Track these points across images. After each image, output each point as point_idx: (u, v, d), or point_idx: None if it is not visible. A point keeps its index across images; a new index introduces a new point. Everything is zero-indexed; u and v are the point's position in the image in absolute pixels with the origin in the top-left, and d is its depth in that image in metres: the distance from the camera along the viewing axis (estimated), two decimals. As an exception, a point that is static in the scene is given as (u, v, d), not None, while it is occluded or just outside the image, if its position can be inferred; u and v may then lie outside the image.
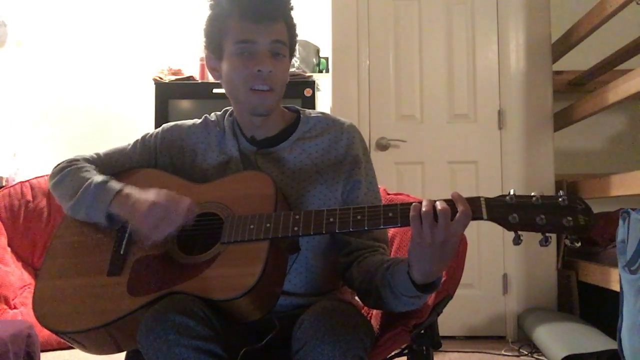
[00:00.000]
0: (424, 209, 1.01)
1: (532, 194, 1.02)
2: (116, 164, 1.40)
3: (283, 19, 1.29)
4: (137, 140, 1.43)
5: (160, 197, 1.18)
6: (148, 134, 1.44)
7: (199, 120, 1.43)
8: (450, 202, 1.02)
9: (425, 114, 3.28)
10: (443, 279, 1.33)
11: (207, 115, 1.44)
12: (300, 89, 3.02)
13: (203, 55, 1.41)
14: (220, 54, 1.30)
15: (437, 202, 1.02)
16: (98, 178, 1.27)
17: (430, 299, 1.33)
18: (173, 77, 3.23)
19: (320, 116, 1.39)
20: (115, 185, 1.25)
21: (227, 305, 1.07)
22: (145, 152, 1.40)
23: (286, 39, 1.29)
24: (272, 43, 1.26)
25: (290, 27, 1.31)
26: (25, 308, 1.80)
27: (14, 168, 3.45)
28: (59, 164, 1.38)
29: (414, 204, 1.03)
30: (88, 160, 1.39)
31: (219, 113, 1.44)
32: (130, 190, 1.23)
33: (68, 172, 1.33)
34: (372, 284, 1.18)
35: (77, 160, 1.37)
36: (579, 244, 1.00)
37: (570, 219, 0.99)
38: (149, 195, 1.19)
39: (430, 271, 1.05)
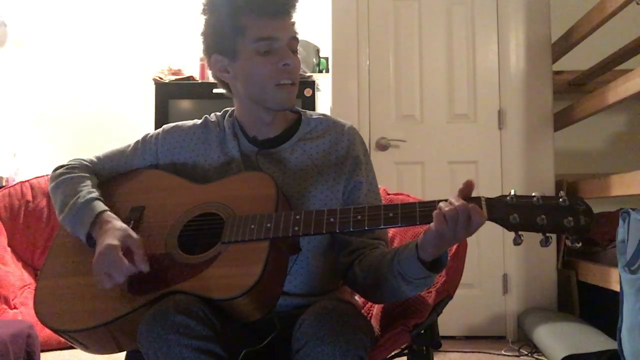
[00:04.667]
0: (462, 214, 1.01)
1: (533, 194, 1.02)
2: (117, 167, 1.40)
3: (293, 13, 1.30)
4: (137, 142, 1.43)
5: (113, 244, 1.14)
6: (148, 134, 1.43)
7: (199, 121, 1.43)
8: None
9: (425, 114, 3.28)
10: (443, 279, 1.34)
11: (207, 116, 1.44)
12: (300, 89, 3.00)
13: (204, 60, 1.37)
14: (233, 55, 1.28)
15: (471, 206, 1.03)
16: (85, 195, 1.27)
17: (431, 298, 1.33)
18: (173, 77, 3.24)
19: (321, 118, 1.40)
20: (98, 206, 1.25)
21: (227, 305, 1.07)
22: (146, 153, 1.40)
23: (297, 34, 1.31)
24: (291, 39, 1.28)
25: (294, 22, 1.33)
26: (25, 308, 1.80)
27: (14, 168, 3.45)
28: (57, 169, 1.38)
29: (447, 209, 1.02)
30: (87, 166, 1.38)
31: (218, 114, 1.44)
32: (107, 218, 1.22)
33: (62, 181, 1.33)
34: (378, 276, 1.18)
35: (75, 167, 1.37)
36: (580, 244, 1.00)
37: (571, 219, 0.99)
38: (110, 236, 1.16)
39: (440, 253, 1.10)
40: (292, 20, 1.29)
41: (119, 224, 1.21)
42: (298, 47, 1.33)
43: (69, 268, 1.25)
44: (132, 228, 1.23)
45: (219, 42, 1.29)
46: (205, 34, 1.33)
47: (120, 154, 1.41)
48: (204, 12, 1.32)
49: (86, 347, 1.21)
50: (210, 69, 1.36)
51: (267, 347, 1.12)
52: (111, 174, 1.39)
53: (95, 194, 1.29)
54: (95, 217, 1.22)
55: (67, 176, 1.33)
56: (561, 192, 1.03)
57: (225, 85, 1.37)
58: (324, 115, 1.42)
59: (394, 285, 1.15)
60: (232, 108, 1.42)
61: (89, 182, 1.33)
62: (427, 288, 1.22)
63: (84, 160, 1.40)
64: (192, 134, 1.40)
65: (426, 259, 1.09)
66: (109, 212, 1.24)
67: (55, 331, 1.17)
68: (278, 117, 1.35)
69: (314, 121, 1.39)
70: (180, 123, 1.44)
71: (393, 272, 1.14)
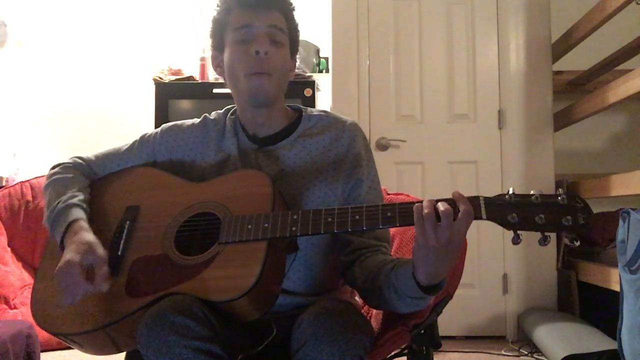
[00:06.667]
0: (425, 210, 0.99)
1: (532, 192, 1.01)
2: (113, 165, 1.39)
3: (281, 10, 1.30)
4: (135, 141, 1.42)
5: (73, 260, 1.10)
6: (147, 134, 1.43)
7: (198, 120, 1.43)
8: (452, 202, 1.01)
9: (425, 114, 3.28)
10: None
11: (207, 115, 1.43)
12: (300, 89, 3.02)
13: (209, 57, 1.41)
14: (222, 49, 1.32)
15: (439, 203, 1.01)
16: (66, 199, 1.25)
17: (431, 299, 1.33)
18: (173, 77, 3.24)
19: (322, 114, 1.39)
20: (74, 213, 1.22)
21: (226, 306, 1.07)
22: (143, 152, 1.40)
23: (284, 27, 1.30)
24: (269, 27, 1.27)
25: (290, 20, 1.33)
26: (25, 308, 1.80)
27: (14, 168, 3.45)
28: (53, 167, 1.38)
29: (415, 205, 1.01)
30: (82, 165, 1.38)
31: (220, 112, 1.43)
32: (77, 228, 1.19)
33: (53, 181, 1.33)
34: (375, 284, 1.17)
35: (69, 167, 1.37)
36: (578, 242, 0.99)
37: (569, 218, 0.98)
38: (72, 250, 1.12)
39: (435, 272, 1.04)
40: (277, 14, 1.29)
41: (87, 236, 1.16)
42: (298, 48, 1.32)
43: None
44: (128, 228, 1.23)
45: (214, 38, 1.34)
46: (209, 33, 1.37)
47: (117, 153, 1.41)
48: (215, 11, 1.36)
49: (84, 349, 1.21)
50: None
51: (266, 348, 1.12)
52: (108, 172, 1.39)
53: (77, 198, 1.26)
54: (68, 224, 1.20)
55: (58, 177, 1.33)
56: (559, 189, 1.02)
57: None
58: (325, 111, 1.41)
59: (386, 297, 1.14)
60: (235, 106, 1.42)
61: (76, 185, 1.31)
62: (421, 308, 1.17)
63: (81, 159, 1.40)
64: (191, 133, 1.40)
65: (421, 280, 1.05)
66: (82, 222, 1.21)
67: (53, 334, 1.17)
68: (274, 116, 1.35)
69: (314, 117, 1.38)
70: (178, 122, 1.43)
71: (388, 283, 1.13)
